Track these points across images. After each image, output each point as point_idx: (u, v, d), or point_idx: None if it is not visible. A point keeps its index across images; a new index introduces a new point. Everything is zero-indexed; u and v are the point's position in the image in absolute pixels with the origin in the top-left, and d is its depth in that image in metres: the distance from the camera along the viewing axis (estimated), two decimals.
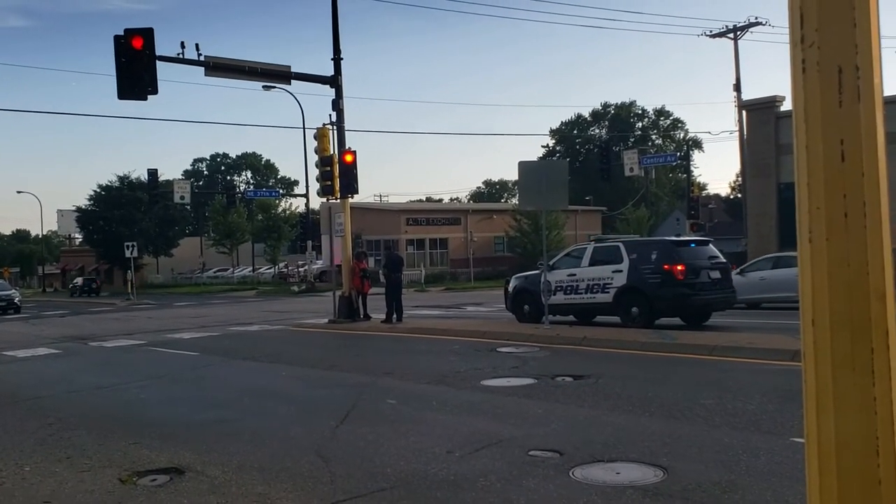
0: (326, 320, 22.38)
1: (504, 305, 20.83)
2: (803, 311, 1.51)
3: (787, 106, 30.26)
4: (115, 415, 9.74)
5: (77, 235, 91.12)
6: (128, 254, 46.60)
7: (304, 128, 45.41)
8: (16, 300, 41.05)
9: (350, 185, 21.97)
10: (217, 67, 20.47)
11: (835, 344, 1.45)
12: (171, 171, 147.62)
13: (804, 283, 1.49)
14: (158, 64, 17.35)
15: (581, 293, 17.84)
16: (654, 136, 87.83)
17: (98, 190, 72.97)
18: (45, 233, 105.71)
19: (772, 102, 30.35)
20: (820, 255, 1.46)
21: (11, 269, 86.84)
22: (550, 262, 18.42)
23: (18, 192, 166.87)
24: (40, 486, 6.54)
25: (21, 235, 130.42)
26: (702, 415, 8.12)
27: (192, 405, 10.32)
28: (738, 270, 21.34)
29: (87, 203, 73.48)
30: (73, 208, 77.38)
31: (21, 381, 13.59)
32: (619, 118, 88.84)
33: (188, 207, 74.63)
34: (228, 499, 5.96)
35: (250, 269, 73.74)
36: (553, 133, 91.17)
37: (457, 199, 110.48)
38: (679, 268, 16.47)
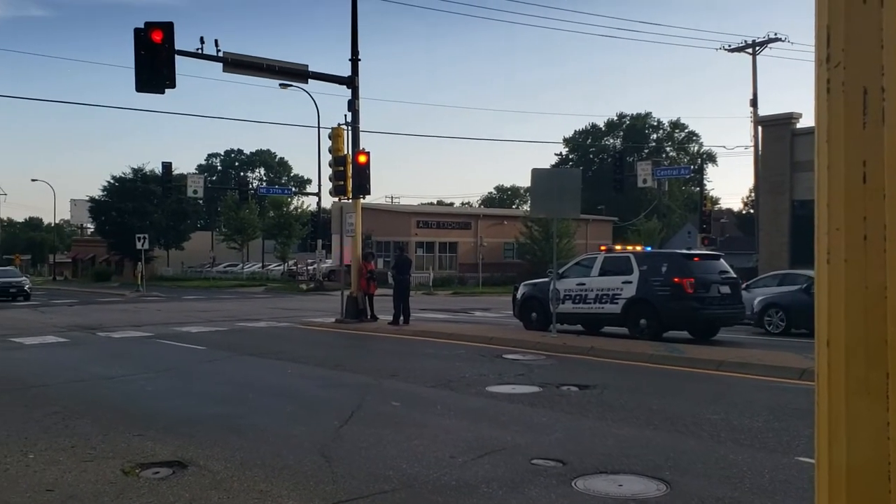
0: (334, 319, 22.41)
1: (512, 312, 20.80)
2: (818, 332, 1.50)
3: (803, 123, 30.13)
4: (120, 406, 9.77)
5: (89, 225, 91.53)
6: (139, 245, 46.75)
7: (318, 127, 45.61)
8: (26, 287, 41.21)
9: (362, 186, 22.00)
10: (235, 64, 20.54)
11: (849, 367, 1.44)
12: (185, 165, 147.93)
13: (820, 303, 1.48)
14: (176, 58, 17.41)
15: (590, 303, 17.80)
16: (668, 149, 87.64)
17: (112, 181, 73.32)
18: (57, 222, 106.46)
19: (788, 119, 30.23)
20: (837, 277, 1.44)
21: (23, 257, 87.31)
22: (560, 271, 18.38)
23: (33, 180, 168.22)
24: (44, 474, 6.56)
25: (34, 223, 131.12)
26: (707, 430, 8.08)
27: (198, 399, 10.34)
28: (743, 286, 21.26)
29: (101, 194, 73.84)
30: (87, 198, 77.75)
31: (28, 368, 13.66)
32: (634, 129, 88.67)
33: (201, 202, 74.82)
34: (230, 495, 5.96)
35: (260, 265, 73.91)
36: (567, 141, 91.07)
37: (468, 203, 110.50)
38: (689, 281, 16.42)
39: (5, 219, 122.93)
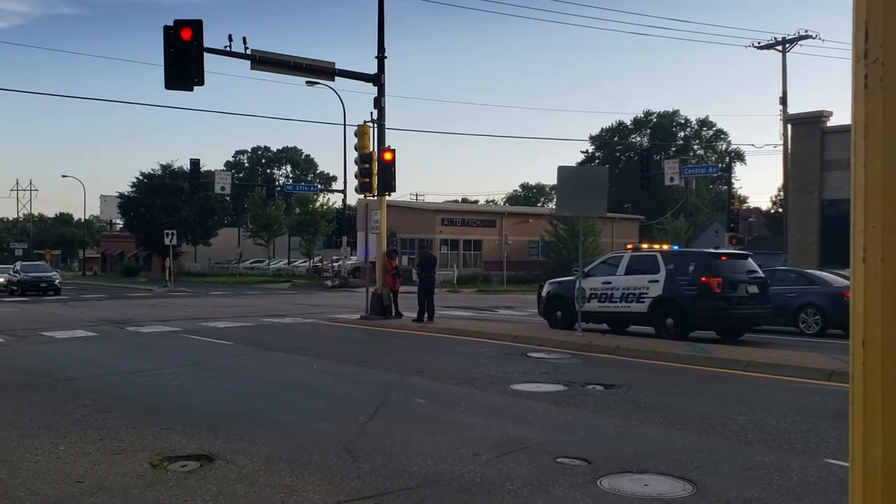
0: (358, 316, 22.49)
1: (537, 310, 20.75)
2: (853, 332, 1.48)
3: (833, 121, 29.71)
4: (148, 400, 9.88)
5: (118, 221, 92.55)
6: (167, 241, 47.25)
7: (344, 124, 45.62)
8: (56, 282, 41.88)
9: (387, 183, 22.04)
10: (263, 61, 20.66)
11: (885, 367, 1.42)
12: (213, 161, 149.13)
13: (856, 303, 1.46)
14: (205, 56, 17.55)
15: (615, 301, 17.70)
16: (696, 147, 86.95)
17: (140, 177, 74.07)
18: (87, 217, 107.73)
19: (818, 117, 29.81)
20: (874, 276, 1.42)
21: (53, 252, 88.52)
22: (586, 269, 18.29)
23: (63, 176, 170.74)
24: (74, 466, 6.66)
25: (64, 219, 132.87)
26: (734, 430, 8.01)
27: (224, 394, 10.43)
28: None
29: (130, 190, 74.61)
30: (116, 194, 78.63)
31: (58, 361, 13.87)
32: (661, 127, 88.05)
33: (228, 198, 75.41)
34: (256, 488, 6.01)
35: (286, 261, 74.39)
36: (593, 139, 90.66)
37: (493, 201, 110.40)
38: (717, 281, 16.26)
39: (36, 214, 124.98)
